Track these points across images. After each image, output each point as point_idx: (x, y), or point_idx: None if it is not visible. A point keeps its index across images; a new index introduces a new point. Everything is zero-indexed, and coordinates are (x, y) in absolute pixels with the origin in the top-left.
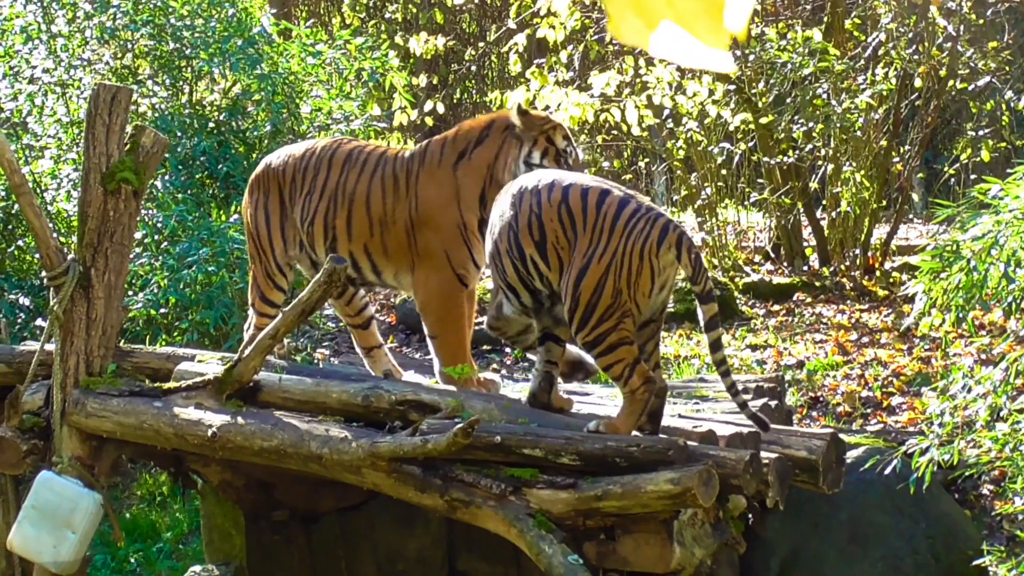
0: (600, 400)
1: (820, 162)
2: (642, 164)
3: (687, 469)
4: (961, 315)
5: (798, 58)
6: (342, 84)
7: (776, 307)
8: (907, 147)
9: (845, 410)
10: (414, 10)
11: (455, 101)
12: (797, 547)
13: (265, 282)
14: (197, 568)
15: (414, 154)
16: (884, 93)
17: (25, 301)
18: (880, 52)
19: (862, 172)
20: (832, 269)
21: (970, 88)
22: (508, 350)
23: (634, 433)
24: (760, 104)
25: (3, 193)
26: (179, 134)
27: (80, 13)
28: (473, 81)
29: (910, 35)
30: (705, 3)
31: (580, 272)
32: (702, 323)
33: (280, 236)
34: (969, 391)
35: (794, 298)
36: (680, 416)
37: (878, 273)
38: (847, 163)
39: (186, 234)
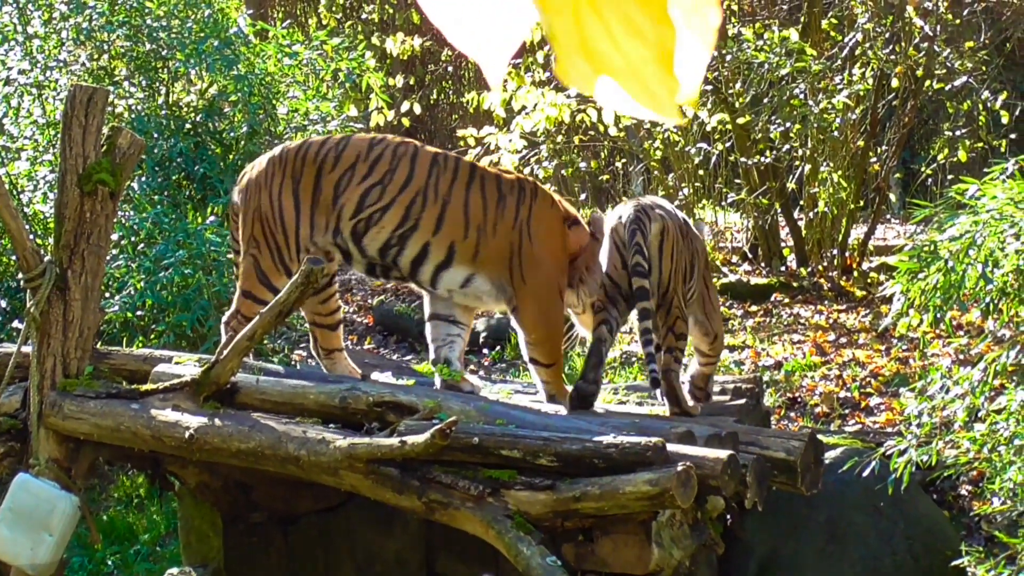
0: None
1: (797, 162)
2: (619, 165)
3: (665, 470)
4: (939, 315)
5: (775, 58)
6: (319, 85)
7: (754, 308)
8: (884, 147)
9: (823, 411)
10: (391, 11)
11: (432, 102)
12: (775, 548)
13: (273, 266)
14: (174, 570)
15: (524, 185)
16: (861, 93)
17: (2, 303)
18: (857, 52)
19: (839, 172)
20: (810, 270)
21: (947, 88)
22: (486, 351)
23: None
24: (737, 104)
25: None
26: (156, 135)
27: (56, 14)
28: (450, 82)
29: (887, 35)
30: (656, 52)
31: None
32: None
33: (309, 221)
34: (947, 392)
35: (772, 299)
36: (658, 417)
37: (856, 273)
38: (824, 163)
39: (162, 236)
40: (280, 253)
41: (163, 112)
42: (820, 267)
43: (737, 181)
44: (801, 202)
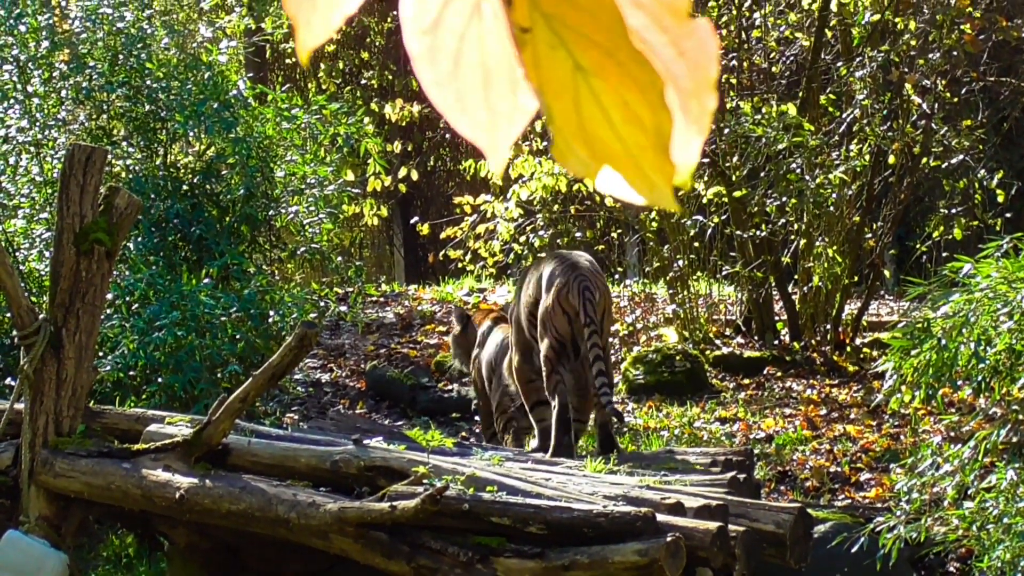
0: (569, 469)
1: (792, 236)
2: (615, 235)
3: (655, 541)
4: (931, 392)
5: (772, 132)
6: (316, 149)
7: (746, 380)
8: (880, 223)
9: (813, 485)
10: (390, 77)
11: (429, 168)
12: None
13: None
14: None
15: None
16: (858, 169)
17: None
18: (854, 128)
19: (834, 247)
20: (803, 344)
21: (943, 166)
22: (476, 418)
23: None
24: (734, 177)
25: None
26: (153, 196)
27: (56, 73)
28: (447, 149)
29: (885, 112)
30: (653, 139)
31: None
32: None
33: None
34: (937, 468)
35: (764, 372)
36: (649, 487)
37: (848, 349)
38: (819, 238)
39: (157, 297)
40: None
41: (161, 173)
42: (813, 341)
43: (732, 254)
44: (795, 276)
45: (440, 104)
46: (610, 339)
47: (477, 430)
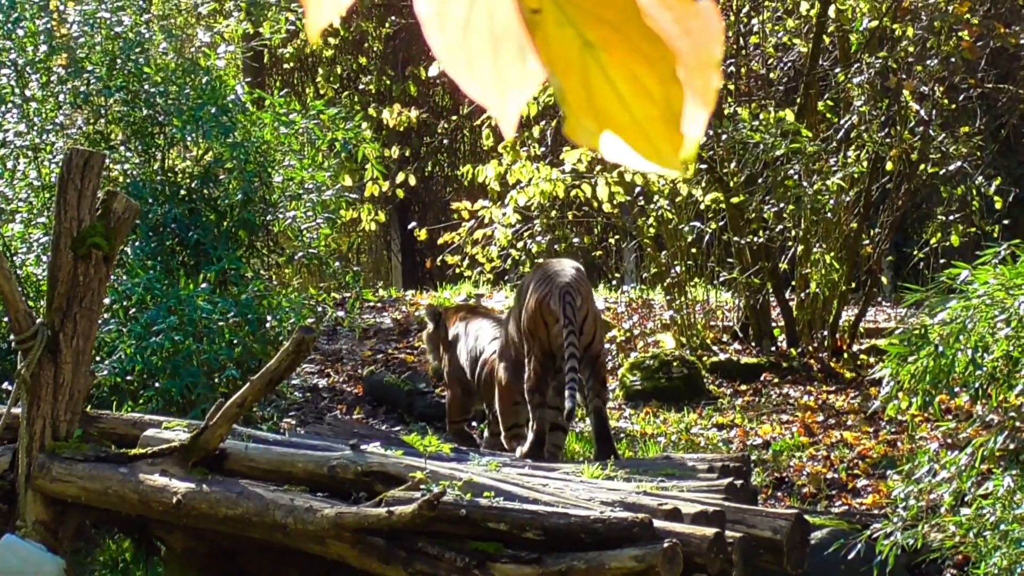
0: (567, 475)
1: (790, 243)
2: (612, 241)
3: (652, 546)
4: (928, 399)
5: (770, 138)
6: (314, 154)
7: (743, 387)
8: (877, 230)
9: (810, 491)
10: (388, 82)
11: (427, 174)
12: None
13: None
14: None
15: None
16: (855, 175)
17: None
18: (852, 134)
19: (832, 254)
20: (800, 350)
21: (941, 172)
22: (475, 424)
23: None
24: (731, 184)
25: None
26: (150, 200)
27: (54, 78)
28: (445, 154)
29: (882, 118)
30: (663, 110)
31: None
32: None
33: None
34: (934, 475)
35: (761, 378)
36: (646, 493)
37: (846, 355)
38: (817, 244)
39: (154, 302)
40: None
41: (158, 178)
42: (810, 348)
43: (730, 260)
44: (793, 282)
45: (450, 68)
46: (605, 346)
47: (475, 435)
